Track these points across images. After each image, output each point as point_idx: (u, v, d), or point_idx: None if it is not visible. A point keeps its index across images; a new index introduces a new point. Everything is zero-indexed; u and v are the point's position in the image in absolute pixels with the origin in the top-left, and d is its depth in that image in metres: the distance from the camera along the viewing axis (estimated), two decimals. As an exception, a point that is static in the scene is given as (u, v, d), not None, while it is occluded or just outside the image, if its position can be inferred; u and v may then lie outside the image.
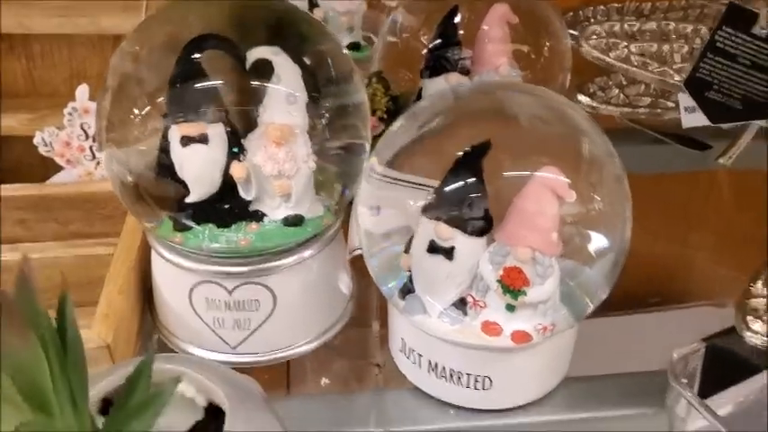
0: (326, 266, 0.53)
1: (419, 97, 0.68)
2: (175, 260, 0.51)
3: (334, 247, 0.53)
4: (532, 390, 0.50)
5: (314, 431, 0.49)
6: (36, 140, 0.63)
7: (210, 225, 0.50)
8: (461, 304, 0.47)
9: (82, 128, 0.62)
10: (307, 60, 0.50)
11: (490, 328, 0.46)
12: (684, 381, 0.46)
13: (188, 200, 0.49)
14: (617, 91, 0.63)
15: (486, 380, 0.48)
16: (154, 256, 0.54)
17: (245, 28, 0.51)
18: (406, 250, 0.48)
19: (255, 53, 0.49)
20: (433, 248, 0.45)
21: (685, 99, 0.56)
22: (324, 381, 0.54)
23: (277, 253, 0.50)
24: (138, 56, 0.51)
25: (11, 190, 0.61)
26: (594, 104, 0.62)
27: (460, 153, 0.44)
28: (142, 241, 0.56)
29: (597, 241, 0.47)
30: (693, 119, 0.59)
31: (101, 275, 0.54)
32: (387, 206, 0.50)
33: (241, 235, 0.50)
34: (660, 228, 0.90)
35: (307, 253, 0.51)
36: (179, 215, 0.50)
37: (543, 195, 0.44)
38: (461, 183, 0.45)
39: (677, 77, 0.51)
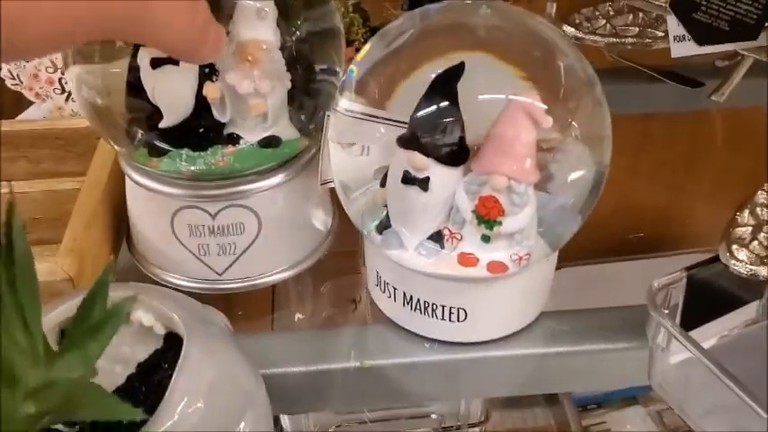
0: (307, 189, 0.52)
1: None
2: (154, 186, 0.50)
3: (314, 170, 0.52)
4: (509, 322, 0.49)
5: (290, 367, 0.48)
6: (3, 73, 0.61)
7: (186, 149, 0.49)
8: (438, 237, 0.45)
9: (50, 59, 0.60)
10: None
11: (466, 259, 0.45)
12: (665, 311, 0.44)
13: (162, 124, 0.48)
14: (603, 21, 0.61)
15: (461, 311, 0.46)
16: (130, 185, 0.52)
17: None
18: (383, 184, 0.46)
19: (225, -32, 0.47)
20: (408, 179, 0.43)
21: (675, 28, 0.54)
22: (297, 315, 0.53)
23: (258, 174, 0.50)
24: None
25: (-23, 126, 0.59)
26: (580, 35, 0.60)
27: (433, 77, 0.42)
28: (111, 175, 0.55)
29: (574, 168, 0.45)
30: (683, 48, 0.57)
31: (68, 211, 0.52)
32: (361, 142, 0.48)
33: (218, 157, 0.49)
34: (652, 171, 0.89)
35: (288, 174, 0.51)
36: (153, 139, 0.49)
37: (519, 121, 0.42)
38: (435, 109, 0.42)
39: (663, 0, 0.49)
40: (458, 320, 0.47)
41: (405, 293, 0.47)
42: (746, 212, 0.48)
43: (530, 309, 0.49)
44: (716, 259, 0.45)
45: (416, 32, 0.47)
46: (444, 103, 0.42)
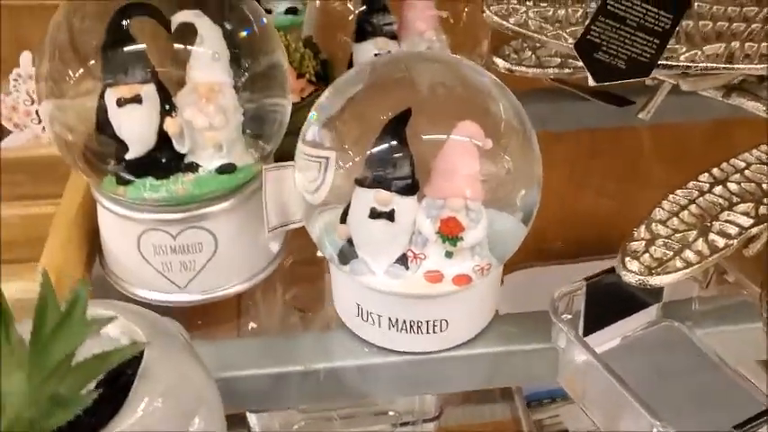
0: (259, 209, 0.57)
1: (351, 60, 0.73)
2: (121, 212, 0.56)
3: None
4: (478, 325, 0.56)
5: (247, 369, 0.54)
6: (-17, 106, 0.66)
7: (150, 177, 0.55)
8: (403, 260, 0.52)
9: (27, 93, 0.66)
10: (227, 22, 0.55)
11: (432, 276, 0.51)
12: (568, 316, 0.51)
13: (127, 156, 0.54)
14: (529, 53, 0.68)
15: (444, 322, 0.53)
16: (100, 210, 0.58)
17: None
18: (342, 221, 0.52)
19: (179, 17, 0.54)
20: (375, 214, 0.50)
21: (590, 59, 0.60)
22: (251, 325, 0.60)
23: (213, 198, 0.56)
24: (71, 24, 0.55)
25: (-40, 155, 0.65)
26: (509, 66, 0.66)
27: (385, 121, 0.49)
28: (85, 197, 0.60)
29: (513, 193, 0.52)
30: (598, 77, 0.63)
31: (43, 234, 0.58)
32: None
33: (179, 185, 0.55)
34: (592, 182, 0.96)
35: (241, 197, 0.57)
36: (120, 170, 0.55)
37: (463, 147, 0.49)
38: (390, 149, 0.49)
39: (570, 40, 0.55)
40: (440, 330, 0.53)
41: (390, 318, 0.53)
42: (642, 228, 0.54)
43: (489, 311, 0.56)
44: (612, 270, 0.52)
45: (367, 85, 0.53)
46: (396, 143, 0.49)
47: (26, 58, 0.65)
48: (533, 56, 0.68)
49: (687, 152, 0.89)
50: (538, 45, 0.68)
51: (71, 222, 0.58)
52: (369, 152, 0.50)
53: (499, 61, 0.67)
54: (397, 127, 0.50)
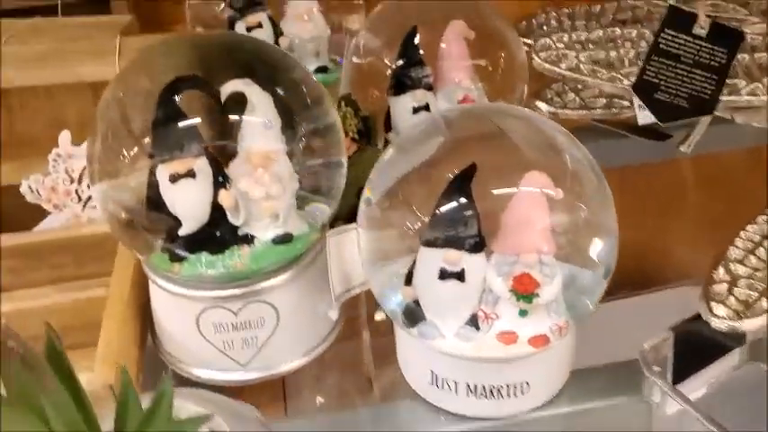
0: (319, 278, 0.55)
1: (388, 115, 0.72)
2: (179, 291, 0.54)
3: (324, 260, 0.56)
4: (557, 383, 0.53)
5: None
6: (23, 189, 0.65)
7: (205, 253, 0.53)
8: (473, 321, 0.50)
9: (66, 172, 0.64)
10: (278, 88, 0.53)
11: (506, 337, 0.49)
12: (657, 369, 0.49)
13: (181, 232, 0.52)
14: (573, 95, 0.67)
15: (525, 384, 0.51)
16: (154, 289, 0.56)
17: (217, 65, 0.54)
18: (407, 282, 0.50)
19: (229, 87, 0.52)
20: (445, 275, 0.48)
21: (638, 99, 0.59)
22: (318, 399, 0.57)
23: (274, 270, 0.54)
24: (121, 101, 0.53)
25: (2, 240, 0.63)
26: (553, 110, 0.65)
27: (450, 179, 0.47)
28: (134, 277, 0.58)
29: (590, 246, 0.50)
30: (648, 116, 0.62)
31: (99, 317, 0.56)
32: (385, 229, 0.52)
33: (236, 259, 0.53)
34: (632, 217, 0.94)
35: (301, 267, 0.55)
36: (173, 247, 0.53)
37: (534, 198, 0.48)
38: (458, 207, 0.48)
39: (626, 81, 0.54)
40: (522, 393, 0.51)
41: (468, 384, 0.51)
42: (721, 269, 0.52)
43: (569, 365, 0.54)
44: (698, 316, 0.50)
45: (444, 144, 0.51)
46: (463, 201, 0.47)
47: (65, 137, 0.63)
48: (577, 98, 0.67)
49: (724, 181, 0.87)
50: (580, 87, 0.67)
51: (125, 304, 0.56)
52: (435, 211, 0.48)
53: (542, 105, 0.66)
54: (463, 183, 0.48)
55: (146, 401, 0.37)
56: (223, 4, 0.78)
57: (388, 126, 0.72)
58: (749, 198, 0.82)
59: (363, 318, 0.62)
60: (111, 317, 0.55)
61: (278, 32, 0.79)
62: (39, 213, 0.68)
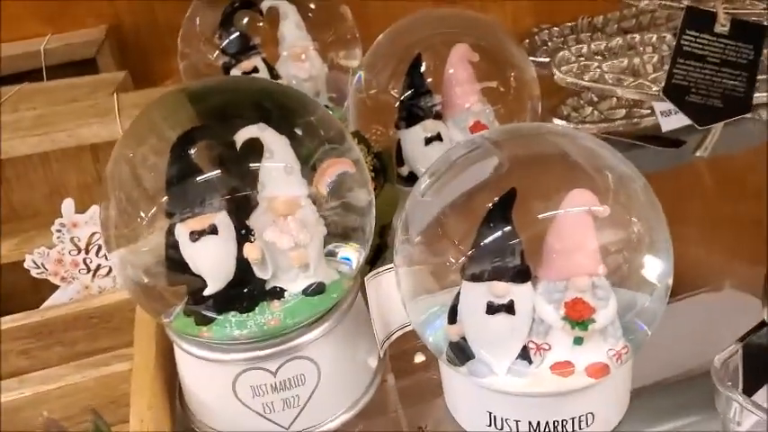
0: (356, 327, 0.53)
1: (399, 148, 0.69)
2: (209, 356, 0.50)
3: (358, 306, 0.54)
4: (621, 407, 0.51)
5: None
6: (27, 264, 0.61)
7: (233, 312, 0.50)
8: (524, 353, 0.47)
9: (72, 242, 0.61)
10: (295, 130, 0.51)
11: (562, 368, 0.46)
12: (729, 383, 0.46)
13: (206, 292, 0.49)
14: (590, 109, 0.65)
15: (590, 416, 0.48)
16: (182, 355, 0.53)
17: (227, 113, 0.51)
18: (451, 320, 0.48)
19: (243, 134, 0.49)
20: (493, 308, 0.45)
21: (661, 104, 0.57)
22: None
23: (309, 324, 0.50)
24: (131, 160, 0.51)
25: (10, 321, 0.59)
26: (572, 126, 0.63)
27: (490, 206, 0.45)
28: (158, 346, 0.55)
29: (643, 266, 0.47)
30: (672, 121, 0.60)
31: (123, 392, 0.52)
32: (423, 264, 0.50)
33: (268, 316, 0.49)
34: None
35: (337, 317, 0.52)
36: (199, 308, 0.50)
37: (579, 219, 0.45)
38: (501, 236, 0.45)
39: (654, 87, 0.52)
40: (587, 425, 0.48)
41: (530, 422, 0.48)
42: (777, 271, 0.50)
43: (629, 386, 0.51)
44: (763, 324, 0.47)
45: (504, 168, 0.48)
46: (505, 229, 0.44)
47: (68, 205, 0.60)
48: (595, 111, 0.64)
49: (739, 182, 0.86)
50: (596, 100, 0.65)
51: (152, 377, 0.52)
52: (477, 243, 0.45)
53: (560, 122, 0.64)
54: (504, 211, 0.45)
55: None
56: (217, 52, 0.75)
57: (399, 160, 0.70)
58: (764, 197, 0.81)
59: (404, 361, 0.59)
60: (140, 392, 0.51)
61: (274, 75, 0.76)
62: (47, 288, 0.64)
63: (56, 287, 0.63)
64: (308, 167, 0.51)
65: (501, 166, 0.48)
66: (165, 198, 0.48)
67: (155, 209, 0.49)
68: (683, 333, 0.58)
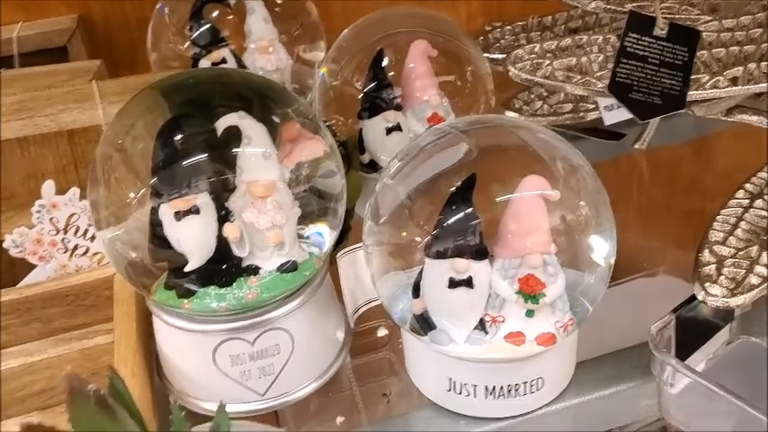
0: (327, 300, 0.57)
1: (360, 138, 0.73)
2: (190, 327, 0.54)
3: (328, 283, 0.58)
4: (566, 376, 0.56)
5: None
6: (6, 244, 0.63)
7: (212, 287, 0.53)
8: (480, 325, 0.52)
9: (51, 222, 0.63)
10: (272, 118, 0.54)
11: (514, 338, 0.51)
12: (664, 350, 0.51)
13: (188, 268, 0.52)
14: (540, 103, 0.70)
15: (540, 380, 0.53)
16: (163, 328, 0.56)
17: (209, 101, 0.54)
18: (415, 295, 0.52)
19: (224, 122, 0.53)
20: (454, 283, 0.50)
21: (603, 100, 0.62)
22: (339, 419, 0.58)
23: (284, 298, 0.54)
24: (120, 145, 0.54)
25: (-9, 297, 0.61)
26: (524, 118, 0.68)
27: (453, 190, 0.49)
28: (138, 320, 0.58)
29: (588, 247, 0.52)
30: (614, 116, 0.65)
31: (105, 364, 0.55)
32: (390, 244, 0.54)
33: (245, 290, 0.53)
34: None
35: (309, 292, 0.55)
36: (180, 282, 0.53)
37: (534, 202, 0.50)
38: (462, 217, 0.49)
39: (600, 84, 0.57)
40: (537, 389, 0.53)
41: (486, 387, 0.52)
42: (706, 251, 0.56)
43: (574, 355, 0.56)
44: (694, 298, 0.53)
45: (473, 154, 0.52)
46: (467, 210, 0.49)
47: (48, 187, 0.62)
48: (545, 105, 0.70)
49: (674, 173, 0.92)
50: (545, 94, 0.70)
51: (134, 349, 0.55)
52: (441, 223, 0.50)
53: (512, 115, 0.69)
54: (465, 194, 0.50)
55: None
56: (187, 43, 0.78)
57: (361, 149, 0.74)
58: (695, 187, 0.87)
59: (370, 334, 0.63)
60: (124, 363, 0.54)
61: (241, 66, 0.79)
62: (22, 268, 0.66)
63: (31, 267, 0.65)
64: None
65: (465, 154, 0.52)
66: (154, 180, 0.51)
67: (140, 190, 0.52)
68: (623, 312, 0.64)
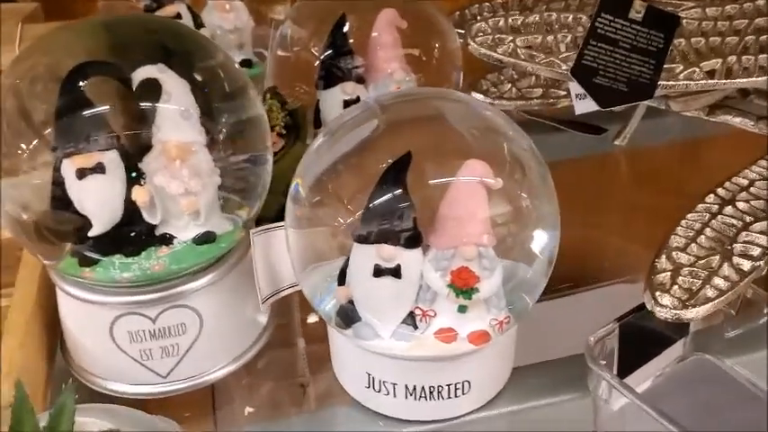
0: (245, 281, 0.52)
1: (317, 109, 0.68)
2: (88, 297, 0.49)
3: (248, 261, 0.52)
4: (499, 382, 0.51)
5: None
6: None
7: (118, 255, 0.48)
8: (410, 319, 0.47)
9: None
10: (196, 75, 0.49)
11: (445, 335, 0.46)
12: (603, 362, 0.47)
13: (91, 233, 0.48)
14: (509, 85, 0.65)
15: (466, 384, 0.49)
16: (62, 297, 0.51)
17: (127, 49, 0.50)
18: (341, 282, 0.47)
19: (141, 73, 0.48)
20: (380, 271, 0.45)
21: (576, 87, 0.57)
22: (248, 409, 0.53)
23: (195, 272, 0.50)
24: (19, 89, 0.48)
25: None
26: (489, 101, 0.63)
27: (384, 168, 0.44)
28: (40, 286, 0.53)
29: (531, 239, 0.48)
30: (585, 105, 0.60)
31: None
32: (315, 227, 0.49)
33: (153, 261, 0.48)
34: (568, 212, 0.93)
35: (224, 268, 0.51)
36: (83, 249, 0.49)
37: (472, 189, 0.45)
38: (392, 199, 0.44)
39: (564, 66, 0.52)
40: (463, 393, 0.48)
41: (407, 386, 0.48)
42: (663, 258, 0.51)
43: (510, 362, 0.52)
44: (642, 307, 0.48)
45: (378, 130, 0.48)
46: (398, 192, 0.44)
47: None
48: (513, 88, 0.64)
49: (657, 174, 0.87)
50: (516, 77, 0.64)
51: (29, 316, 0.51)
52: (368, 204, 0.45)
53: (478, 96, 0.64)
54: (398, 174, 0.45)
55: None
56: (139, -5, 0.73)
57: (317, 122, 0.69)
58: (680, 190, 0.82)
59: (296, 321, 0.59)
60: (12, 330, 0.50)
61: (198, 23, 0.75)
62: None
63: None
64: (207, 116, 0.49)
65: (398, 128, 0.47)
66: (52, 130, 0.47)
67: (39, 142, 0.47)
68: (591, 319, 0.59)
